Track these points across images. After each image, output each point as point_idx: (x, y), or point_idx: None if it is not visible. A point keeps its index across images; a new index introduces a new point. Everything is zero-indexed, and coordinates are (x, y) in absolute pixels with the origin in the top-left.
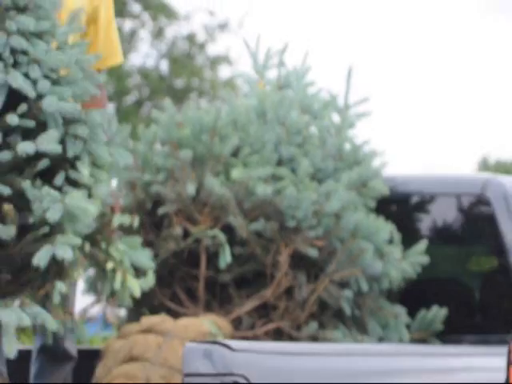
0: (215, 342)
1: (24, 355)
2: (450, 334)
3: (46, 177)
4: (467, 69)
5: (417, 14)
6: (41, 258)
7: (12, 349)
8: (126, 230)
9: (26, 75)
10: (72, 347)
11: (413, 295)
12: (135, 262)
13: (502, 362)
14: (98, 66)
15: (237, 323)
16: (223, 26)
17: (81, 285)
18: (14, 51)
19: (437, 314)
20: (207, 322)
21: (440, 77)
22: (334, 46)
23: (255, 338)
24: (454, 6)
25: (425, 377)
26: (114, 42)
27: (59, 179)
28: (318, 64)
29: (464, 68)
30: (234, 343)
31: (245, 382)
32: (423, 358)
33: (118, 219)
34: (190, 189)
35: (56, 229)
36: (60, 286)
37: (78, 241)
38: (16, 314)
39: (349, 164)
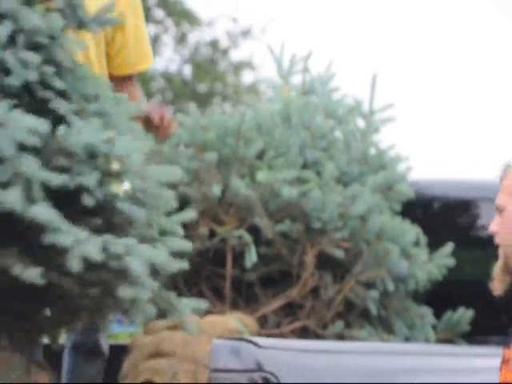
0: (242, 339)
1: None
2: (476, 335)
3: None
4: (493, 74)
5: (443, 20)
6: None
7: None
8: None
9: None
10: (105, 343)
11: (439, 297)
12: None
13: None
14: (128, 71)
15: (263, 321)
16: (246, 33)
17: None
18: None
19: (463, 315)
20: (234, 320)
21: (465, 82)
22: (359, 52)
23: (281, 336)
24: (478, 13)
25: (450, 377)
26: (143, 46)
27: None
28: (343, 70)
29: (490, 73)
30: (261, 340)
31: (272, 378)
32: (448, 357)
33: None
34: (216, 190)
35: None
36: None
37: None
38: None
39: (374, 168)
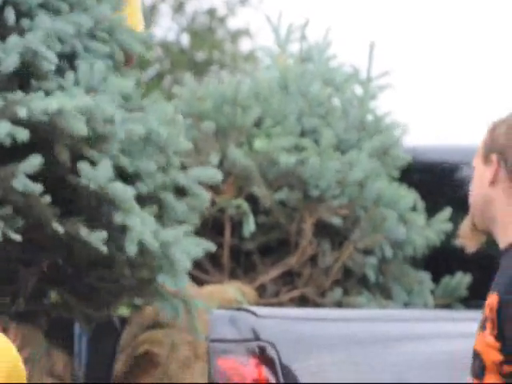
0: (241, 309)
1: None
2: (474, 299)
3: None
4: (491, 39)
5: None
6: None
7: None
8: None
9: None
10: (116, 319)
11: (437, 262)
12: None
13: None
14: None
15: (261, 290)
16: (244, 1)
17: None
18: None
19: (461, 280)
20: (232, 289)
21: (463, 47)
22: (356, 19)
23: (280, 304)
24: None
25: (447, 341)
26: (136, 13)
27: None
28: (340, 38)
29: (488, 39)
30: (259, 310)
31: (270, 347)
32: (446, 322)
33: None
34: (214, 159)
35: None
36: None
37: None
38: None
39: (371, 134)
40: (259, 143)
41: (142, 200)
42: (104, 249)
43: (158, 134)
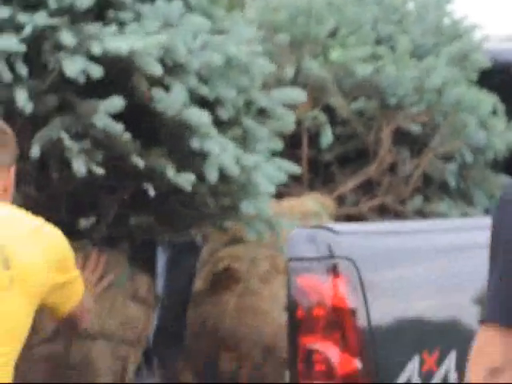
0: (318, 226)
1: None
2: None
3: None
4: None
5: None
6: None
7: None
8: None
9: None
10: (199, 237)
11: None
12: None
13: None
14: None
15: (340, 201)
16: None
17: None
18: None
19: None
20: (311, 202)
21: None
22: None
23: (360, 214)
24: None
25: None
26: None
27: None
28: None
29: None
30: (337, 226)
31: (349, 263)
32: None
33: None
34: (289, 71)
35: None
36: None
37: None
38: None
39: (449, 38)
40: (335, 54)
41: (223, 125)
42: (190, 189)
43: (238, 59)
